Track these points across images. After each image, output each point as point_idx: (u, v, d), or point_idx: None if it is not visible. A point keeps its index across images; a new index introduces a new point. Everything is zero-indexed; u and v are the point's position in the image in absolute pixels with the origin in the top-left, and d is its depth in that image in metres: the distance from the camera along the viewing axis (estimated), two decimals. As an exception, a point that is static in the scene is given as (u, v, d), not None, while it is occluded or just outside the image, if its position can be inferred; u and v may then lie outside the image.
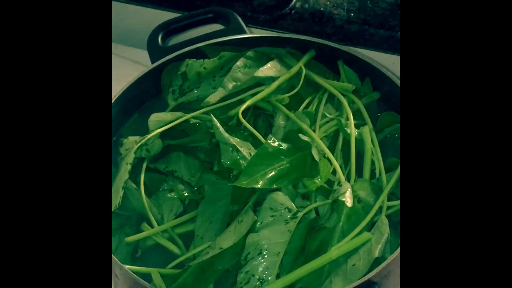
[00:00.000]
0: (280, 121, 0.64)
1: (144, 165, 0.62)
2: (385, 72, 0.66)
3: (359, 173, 0.61)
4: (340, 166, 0.61)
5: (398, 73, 0.65)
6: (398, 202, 0.58)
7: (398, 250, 0.53)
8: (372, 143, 0.62)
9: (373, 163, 0.62)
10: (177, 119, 0.63)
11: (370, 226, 0.57)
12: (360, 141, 0.62)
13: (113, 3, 0.91)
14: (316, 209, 0.58)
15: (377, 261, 0.54)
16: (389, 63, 0.81)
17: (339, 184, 0.58)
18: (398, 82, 0.65)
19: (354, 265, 0.54)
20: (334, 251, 0.54)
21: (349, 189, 0.58)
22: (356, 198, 0.58)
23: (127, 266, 0.54)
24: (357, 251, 0.54)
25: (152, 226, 0.59)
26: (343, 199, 0.57)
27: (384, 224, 0.56)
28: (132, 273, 0.53)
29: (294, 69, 0.66)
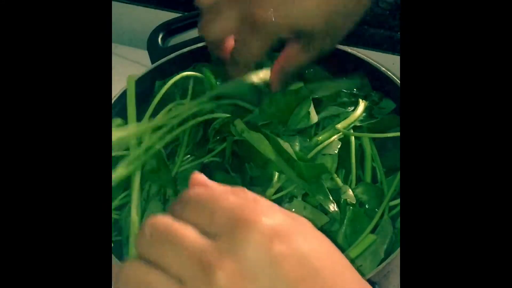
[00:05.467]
0: None
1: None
2: (385, 72, 0.67)
3: (359, 179, 0.62)
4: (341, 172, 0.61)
5: (398, 73, 0.65)
6: (398, 201, 0.59)
7: (398, 250, 0.54)
8: (371, 149, 0.62)
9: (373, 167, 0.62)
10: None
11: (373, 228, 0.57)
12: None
13: (113, 3, 0.91)
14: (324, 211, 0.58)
15: (382, 259, 0.54)
16: (389, 63, 0.81)
17: (338, 188, 0.58)
18: (398, 82, 0.65)
19: (360, 266, 0.54)
20: None
21: (349, 191, 0.58)
22: (358, 202, 0.58)
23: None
24: (363, 252, 0.54)
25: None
26: (346, 198, 0.57)
27: (387, 225, 0.56)
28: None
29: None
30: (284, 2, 0.52)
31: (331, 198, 0.56)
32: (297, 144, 0.60)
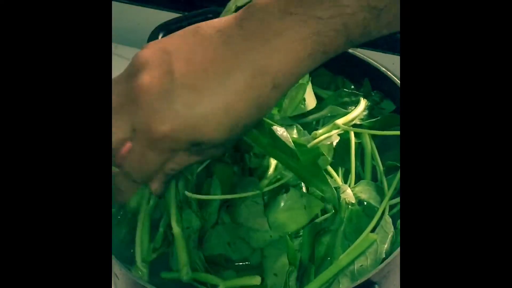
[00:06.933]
0: None
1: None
2: (385, 72, 0.67)
3: (359, 177, 0.62)
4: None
5: (398, 73, 0.65)
6: (398, 200, 0.58)
7: (398, 250, 0.53)
8: (371, 147, 0.62)
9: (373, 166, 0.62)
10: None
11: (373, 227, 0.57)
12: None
13: (113, 3, 0.91)
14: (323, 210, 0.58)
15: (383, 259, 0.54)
16: (389, 63, 0.81)
17: (338, 187, 0.58)
18: (398, 82, 0.66)
19: (361, 266, 0.54)
20: (343, 259, 0.54)
21: (348, 189, 0.58)
22: (357, 200, 0.58)
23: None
24: (364, 252, 0.54)
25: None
26: (346, 197, 0.57)
27: (388, 223, 0.56)
28: (132, 273, 0.53)
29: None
30: (181, 112, 0.45)
31: (329, 182, 0.55)
32: (294, 133, 0.59)
